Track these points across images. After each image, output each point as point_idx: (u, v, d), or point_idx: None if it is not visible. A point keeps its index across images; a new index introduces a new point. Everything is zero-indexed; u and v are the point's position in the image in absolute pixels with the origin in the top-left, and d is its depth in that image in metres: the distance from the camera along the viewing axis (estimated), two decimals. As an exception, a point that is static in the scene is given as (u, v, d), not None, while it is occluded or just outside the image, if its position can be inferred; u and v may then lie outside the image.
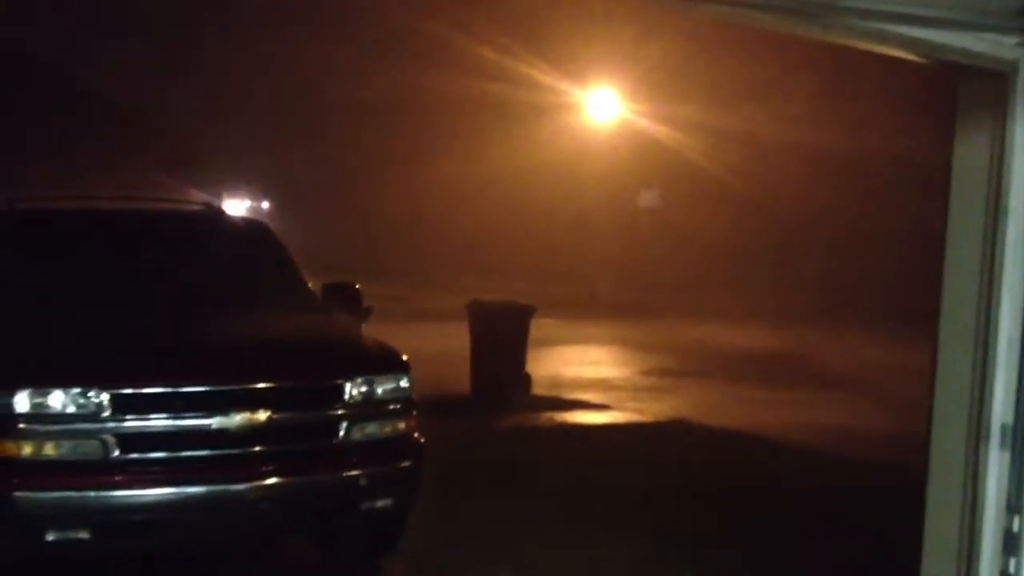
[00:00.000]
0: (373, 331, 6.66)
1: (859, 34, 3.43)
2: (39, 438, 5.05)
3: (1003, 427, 3.33)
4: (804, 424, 11.21)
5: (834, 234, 29.59)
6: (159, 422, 5.20)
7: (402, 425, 5.83)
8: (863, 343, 19.29)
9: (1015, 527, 3.24)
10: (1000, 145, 3.51)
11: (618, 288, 30.62)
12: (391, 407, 5.79)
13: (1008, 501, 3.27)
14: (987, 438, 3.36)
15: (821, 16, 3.37)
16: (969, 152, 3.67)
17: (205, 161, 33.85)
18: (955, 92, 3.76)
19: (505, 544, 6.49)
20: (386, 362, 5.93)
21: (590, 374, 15.31)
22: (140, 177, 24.79)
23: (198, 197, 19.11)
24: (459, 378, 12.21)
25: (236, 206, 37.37)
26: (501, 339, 12.43)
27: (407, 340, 6.95)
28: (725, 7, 3.49)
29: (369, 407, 5.70)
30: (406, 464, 5.78)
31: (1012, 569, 3.24)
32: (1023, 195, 3.44)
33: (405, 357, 6.01)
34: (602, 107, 30.65)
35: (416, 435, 5.90)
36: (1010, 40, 3.42)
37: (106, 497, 5.07)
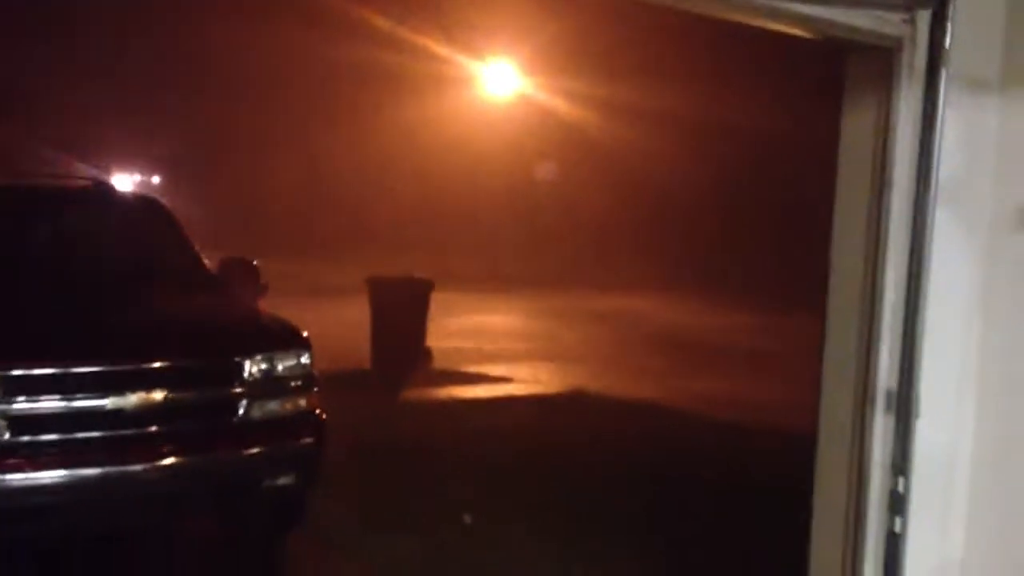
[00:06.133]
0: (271, 307, 6.59)
1: (749, 10, 3.49)
2: (-76, 423, 4.89)
3: (888, 392, 3.46)
4: (695, 392, 11.46)
5: (725, 206, 30.16)
6: (52, 404, 5.07)
7: (303, 402, 5.78)
8: (749, 313, 19.73)
9: (900, 487, 3.37)
10: (885, 120, 3.62)
11: (518, 260, 30.74)
12: (292, 384, 5.74)
13: (893, 463, 3.40)
14: (873, 402, 3.48)
15: (713, -9, 3.41)
16: (856, 127, 3.77)
17: (92, 135, 32.83)
18: (843, 68, 3.86)
19: (407, 518, 6.51)
20: (286, 339, 5.87)
21: (491, 347, 15.37)
22: (21, 151, 23.91)
23: (85, 172, 18.59)
24: (359, 353, 12.15)
25: (125, 181, 36.38)
26: (401, 314, 12.42)
27: (306, 316, 6.89)
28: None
29: (269, 384, 5.64)
30: (307, 441, 5.74)
31: (898, 528, 3.37)
32: (907, 169, 3.56)
33: (305, 333, 5.96)
34: (500, 80, 30.62)
35: (318, 412, 5.87)
36: (896, 17, 3.52)
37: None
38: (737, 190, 29.31)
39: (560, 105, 30.45)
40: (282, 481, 5.67)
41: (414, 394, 11.14)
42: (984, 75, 3.66)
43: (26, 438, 5.01)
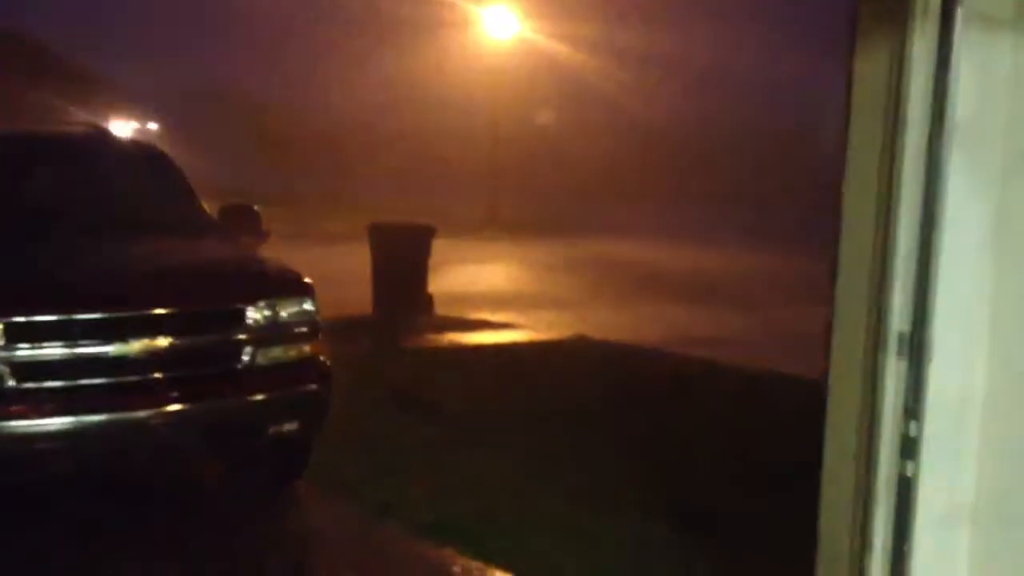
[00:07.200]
0: (273, 253, 6.55)
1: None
2: (-70, 370, 4.87)
3: (900, 335, 3.43)
4: (698, 337, 11.46)
5: (727, 151, 30.02)
6: (55, 351, 5.05)
7: (307, 348, 5.76)
8: (754, 256, 19.69)
9: (912, 432, 3.36)
10: (899, 59, 3.56)
11: (518, 206, 30.63)
12: (295, 331, 5.72)
13: (905, 406, 3.39)
14: (885, 345, 3.46)
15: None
16: (868, 66, 3.71)
17: (89, 81, 32.53)
18: (855, 6, 3.79)
19: (414, 465, 6.52)
20: (289, 285, 5.84)
21: (493, 293, 15.38)
22: (17, 97, 23.73)
23: (82, 118, 18.45)
24: (361, 299, 12.14)
25: (122, 127, 36.17)
26: (402, 260, 12.39)
27: (307, 262, 6.85)
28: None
29: (273, 331, 5.61)
30: (312, 387, 5.73)
31: (909, 472, 3.36)
32: (921, 108, 3.51)
33: (308, 280, 5.93)
34: (499, 23, 30.33)
35: (322, 358, 5.85)
36: (910, -47, 3.45)
37: (3, 428, 4.92)
38: (739, 135, 29.16)
39: (560, 49, 30.18)
40: (287, 427, 5.67)
41: (417, 340, 11.14)
42: (998, 14, 3.60)
43: (30, 385, 4.99)
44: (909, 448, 3.35)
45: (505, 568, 4.96)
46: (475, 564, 5.04)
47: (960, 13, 3.45)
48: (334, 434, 6.23)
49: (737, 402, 8.43)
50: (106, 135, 7.84)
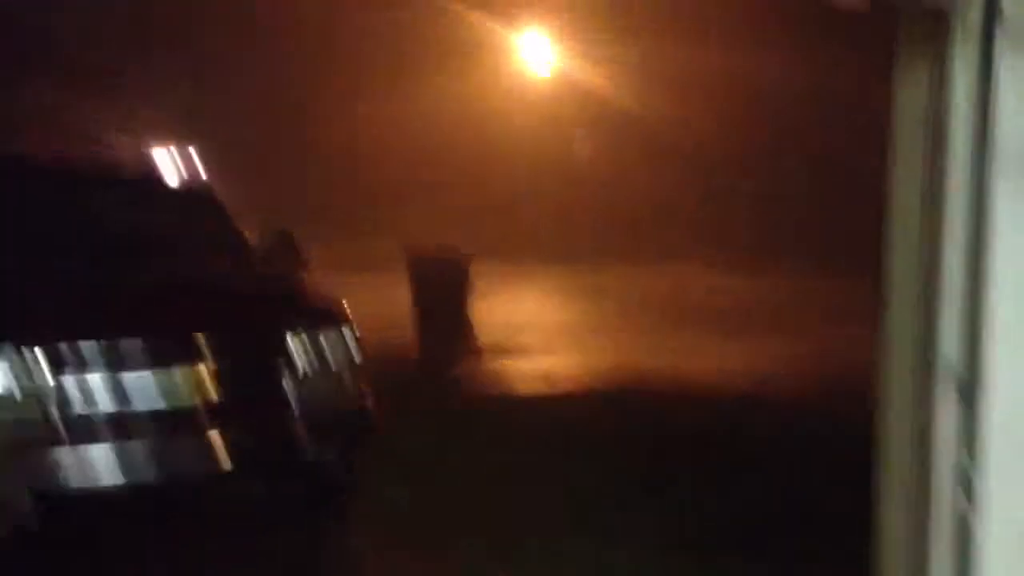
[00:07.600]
0: (313, 280, 6.59)
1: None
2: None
3: (953, 365, 3.36)
4: (744, 369, 11.31)
5: (768, 176, 29.83)
6: (100, 378, 5.09)
7: (348, 376, 5.81)
8: (794, 283, 19.40)
9: (969, 466, 3.27)
10: (939, 82, 3.53)
11: (556, 231, 30.57)
12: (336, 358, 5.75)
13: (960, 439, 3.31)
14: (937, 377, 3.39)
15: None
16: (909, 94, 3.69)
17: (127, 102, 32.84)
18: (894, 31, 3.77)
19: (455, 493, 6.46)
20: (329, 314, 5.88)
21: (532, 321, 15.27)
22: (54, 116, 24.02)
23: (124, 142, 18.65)
24: (402, 326, 12.10)
25: (164, 150, 36.64)
26: (441, 289, 12.31)
27: (347, 289, 6.86)
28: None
29: (313, 359, 5.65)
30: (353, 416, 5.77)
31: (968, 509, 3.26)
32: (965, 136, 3.46)
33: (348, 308, 5.96)
34: (537, 48, 30.42)
35: (362, 386, 5.87)
36: (948, -25, 3.42)
37: (49, 454, 4.96)
38: (782, 160, 28.94)
39: (598, 73, 30.16)
40: (328, 456, 5.70)
41: (458, 369, 11.10)
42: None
43: (75, 412, 5.04)
44: (967, 483, 3.27)
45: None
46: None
47: (1000, 35, 3.41)
48: (374, 462, 6.21)
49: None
50: (148, 159, 7.95)
